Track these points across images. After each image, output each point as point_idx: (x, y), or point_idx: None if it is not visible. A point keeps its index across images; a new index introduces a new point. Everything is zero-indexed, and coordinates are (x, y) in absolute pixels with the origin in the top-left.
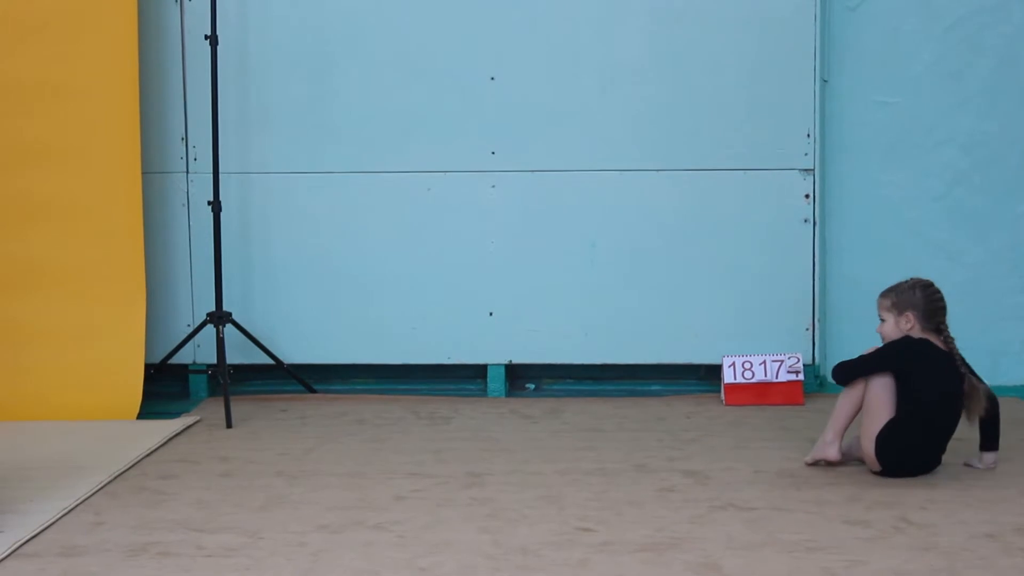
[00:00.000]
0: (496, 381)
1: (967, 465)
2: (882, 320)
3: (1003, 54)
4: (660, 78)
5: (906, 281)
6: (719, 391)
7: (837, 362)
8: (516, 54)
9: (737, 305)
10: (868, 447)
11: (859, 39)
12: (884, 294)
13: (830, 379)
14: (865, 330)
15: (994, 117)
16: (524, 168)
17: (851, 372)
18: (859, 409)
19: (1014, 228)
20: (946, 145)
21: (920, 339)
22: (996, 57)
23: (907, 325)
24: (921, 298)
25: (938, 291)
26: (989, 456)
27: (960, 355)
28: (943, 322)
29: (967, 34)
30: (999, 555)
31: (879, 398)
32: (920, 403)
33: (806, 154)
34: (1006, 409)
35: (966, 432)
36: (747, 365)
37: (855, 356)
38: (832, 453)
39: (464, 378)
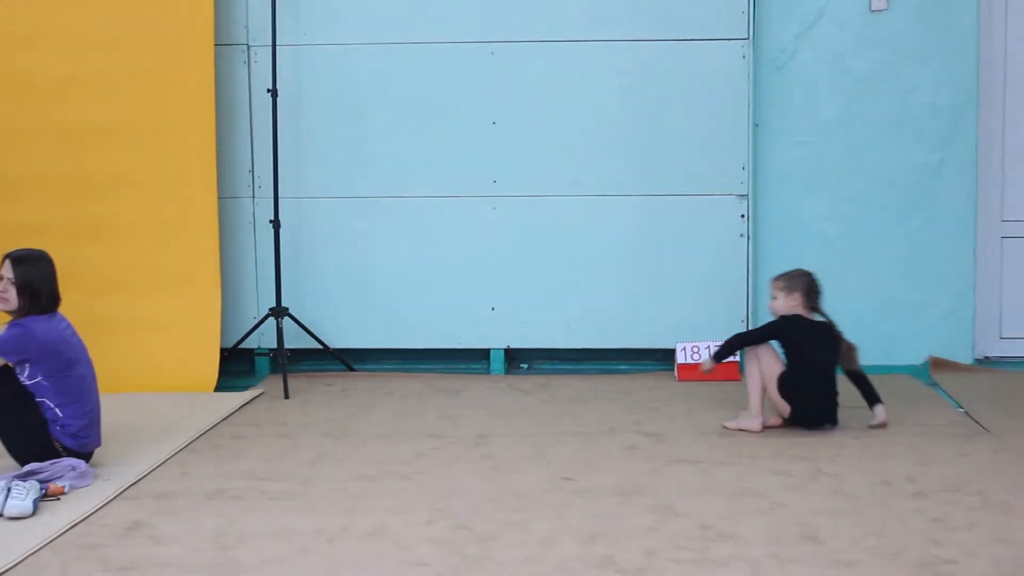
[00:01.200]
0: (497, 362)
1: (871, 427)
2: (774, 298)
3: (896, 103)
4: (627, 123)
5: (795, 270)
6: (673, 370)
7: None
8: (513, 104)
9: (687, 302)
10: (774, 393)
11: (783, 92)
12: (777, 278)
13: None
14: None
15: (891, 153)
16: (519, 194)
17: (747, 340)
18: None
19: (907, 241)
20: (853, 176)
21: (797, 315)
22: (891, 105)
23: (793, 303)
24: (806, 283)
25: (817, 279)
26: (879, 408)
27: (834, 324)
28: (818, 303)
29: (868, 88)
30: (892, 497)
31: (772, 358)
32: (807, 359)
33: (741, 183)
34: (899, 383)
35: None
36: (695, 349)
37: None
38: (755, 425)
39: (471, 359)
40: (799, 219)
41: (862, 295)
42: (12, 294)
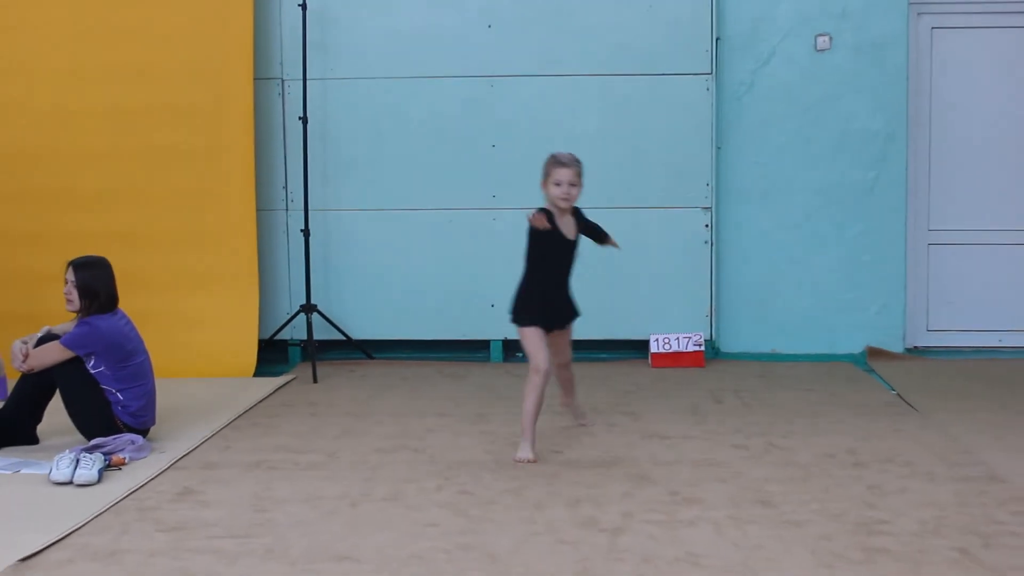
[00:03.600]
0: (496, 352)
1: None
2: (574, 185)
3: (837, 129)
4: (608, 146)
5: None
6: (647, 358)
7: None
8: (510, 129)
9: (659, 299)
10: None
11: (742, 118)
12: (577, 162)
13: (723, 350)
14: (745, 316)
15: (834, 171)
16: (516, 207)
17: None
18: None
19: (847, 247)
20: (801, 191)
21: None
22: (833, 131)
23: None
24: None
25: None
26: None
27: None
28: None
29: (814, 116)
30: (834, 467)
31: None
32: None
33: (706, 197)
34: (840, 370)
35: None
36: (666, 340)
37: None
38: (528, 455)
39: (474, 349)
40: (755, 228)
41: (808, 294)
42: (75, 296)
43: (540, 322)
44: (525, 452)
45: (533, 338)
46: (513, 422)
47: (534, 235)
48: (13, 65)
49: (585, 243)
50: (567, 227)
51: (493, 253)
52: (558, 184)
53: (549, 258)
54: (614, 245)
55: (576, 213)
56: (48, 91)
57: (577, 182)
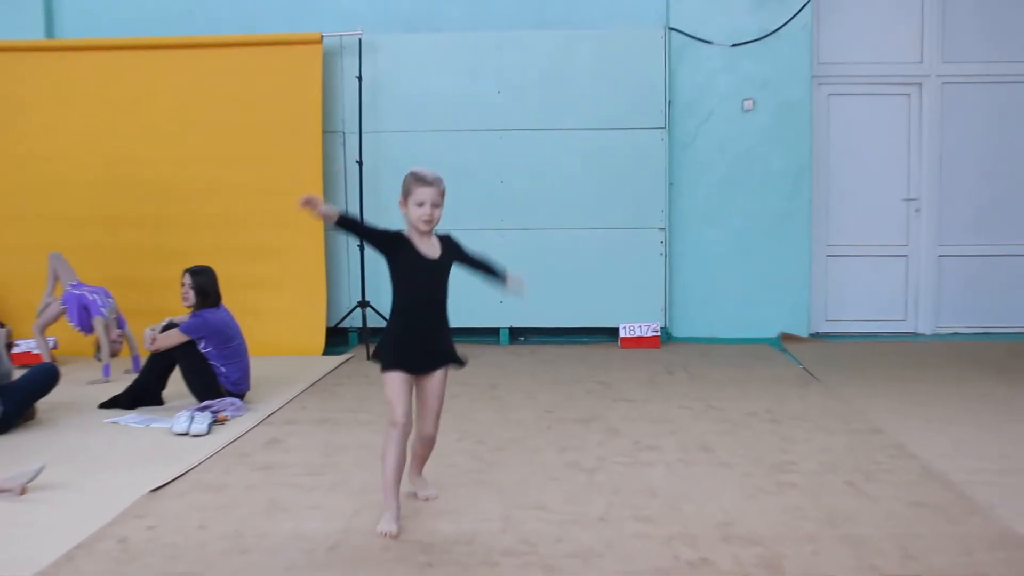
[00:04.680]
0: (504, 336)
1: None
2: (437, 206)
3: (759, 170)
4: (587, 182)
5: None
6: (617, 341)
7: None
8: (514, 169)
9: (626, 297)
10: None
11: (688, 162)
12: (440, 180)
13: (674, 335)
14: (690, 309)
15: (757, 202)
16: (518, 227)
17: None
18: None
19: (768, 258)
20: (733, 216)
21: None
22: (756, 172)
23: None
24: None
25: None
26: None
27: None
28: None
29: (742, 160)
30: (756, 422)
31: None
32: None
33: (661, 220)
34: (761, 350)
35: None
36: (632, 327)
37: (679, 323)
38: (391, 527)
39: (486, 334)
40: (699, 244)
41: (739, 292)
42: (191, 295)
43: (402, 365)
44: (387, 524)
45: (392, 385)
46: (517, 389)
47: (389, 257)
48: (141, 116)
49: (564, 247)
50: (428, 249)
51: (502, 261)
52: (420, 204)
53: (411, 283)
54: (512, 287)
55: (447, 241)
56: (167, 140)
57: (440, 203)
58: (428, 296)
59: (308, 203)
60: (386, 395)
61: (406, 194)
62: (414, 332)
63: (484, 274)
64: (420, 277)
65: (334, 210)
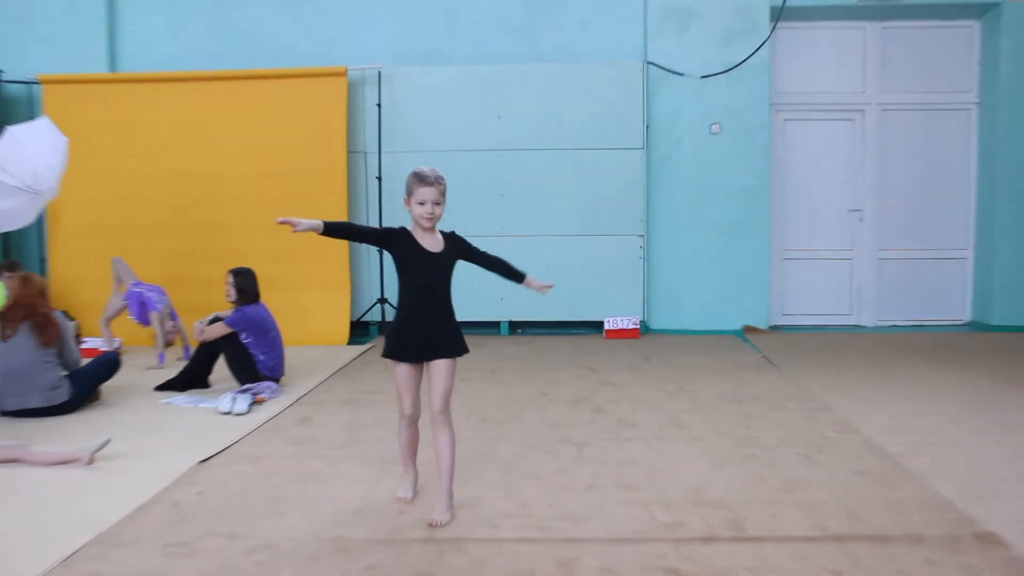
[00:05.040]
0: (504, 328)
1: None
2: (438, 204)
3: (724, 185)
4: (576, 195)
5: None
6: (602, 333)
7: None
8: (513, 184)
9: (610, 294)
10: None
11: (664, 178)
12: (441, 180)
13: (652, 327)
14: (666, 305)
15: (722, 212)
16: (517, 235)
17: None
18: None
19: (732, 261)
20: (702, 224)
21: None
22: (721, 186)
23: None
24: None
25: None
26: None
27: None
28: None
29: (709, 176)
30: (723, 402)
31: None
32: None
33: (640, 228)
34: (727, 340)
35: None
36: (615, 321)
37: (656, 317)
38: (407, 494)
39: (489, 327)
40: (672, 248)
41: (706, 291)
42: (233, 293)
43: (403, 354)
44: (403, 491)
45: (400, 377)
46: (516, 374)
47: (392, 251)
48: (192, 138)
49: (556, 251)
50: (430, 243)
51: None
52: (422, 203)
53: (414, 274)
54: (539, 288)
55: (452, 238)
56: (214, 158)
57: (441, 200)
58: (429, 287)
59: (286, 223)
60: (396, 386)
61: (409, 193)
62: (415, 321)
63: (499, 273)
64: (421, 269)
65: (316, 224)
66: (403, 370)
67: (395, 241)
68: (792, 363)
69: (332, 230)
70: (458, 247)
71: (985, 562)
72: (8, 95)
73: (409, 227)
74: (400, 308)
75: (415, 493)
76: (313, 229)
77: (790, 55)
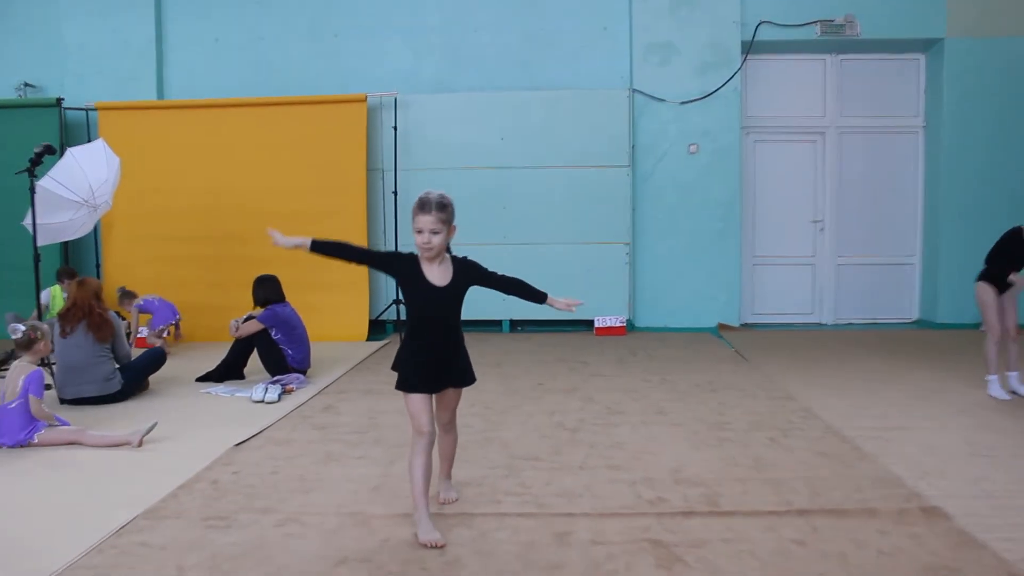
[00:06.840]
0: (505, 326)
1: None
2: (436, 232)
3: (700, 198)
4: (570, 207)
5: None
6: (593, 330)
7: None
8: (513, 197)
9: (600, 296)
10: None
11: (648, 192)
12: (442, 206)
13: (637, 325)
14: (649, 305)
15: (699, 222)
16: (517, 243)
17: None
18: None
19: (709, 266)
20: (682, 233)
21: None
22: (697, 199)
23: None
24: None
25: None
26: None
27: None
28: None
29: (689, 190)
30: (700, 392)
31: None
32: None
33: (626, 236)
34: (703, 337)
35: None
36: (604, 319)
37: (640, 315)
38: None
39: (492, 325)
40: (655, 254)
41: (686, 291)
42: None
43: (422, 387)
44: (428, 533)
45: (415, 403)
46: (516, 367)
47: (398, 279)
48: (229, 158)
49: (552, 258)
50: (437, 275)
51: (504, 269)
52: (419, 232)
53: (420, 308)
54: (564, 306)
55: (463, 264)
56: (249, 176)
57: (440, 228)
58: (437, 320)
59: (273, 235)
60: (409, 410)
61: (412, 220)
62: (427, 354)
63: (519, 295)
64: (427, 304)
65: (302, 241)
66: (418, 397)
67: (399, 268)
68: (761, 357)
69: (323, 248)
70: (470, 275)
71: (930, 532)
72: (69, 120)
73: (419, 255)
74: (408, 336)
75: (440, 534)
76: (299, 246)
77: (759, 84)
